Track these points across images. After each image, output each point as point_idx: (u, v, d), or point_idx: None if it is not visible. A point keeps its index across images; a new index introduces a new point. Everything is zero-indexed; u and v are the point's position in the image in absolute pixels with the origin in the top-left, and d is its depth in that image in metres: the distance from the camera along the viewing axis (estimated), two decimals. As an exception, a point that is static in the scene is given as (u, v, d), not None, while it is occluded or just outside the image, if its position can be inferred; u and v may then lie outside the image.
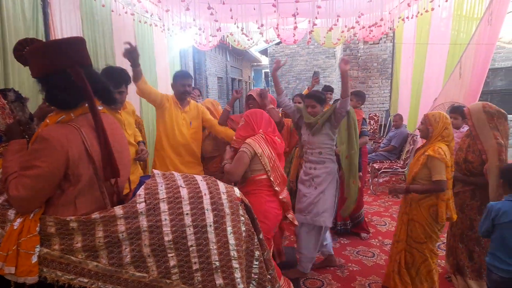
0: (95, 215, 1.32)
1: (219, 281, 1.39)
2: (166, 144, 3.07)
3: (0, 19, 2.70)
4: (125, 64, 2.77)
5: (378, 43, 8.33)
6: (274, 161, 2.40)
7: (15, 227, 1.29)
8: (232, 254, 1.42)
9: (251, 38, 6.72)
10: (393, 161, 5.83)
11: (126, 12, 4.53)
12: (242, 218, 1.50)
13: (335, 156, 2.96)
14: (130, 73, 2.65)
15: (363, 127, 3.87)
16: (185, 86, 3.08)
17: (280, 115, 3.56)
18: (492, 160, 2.48)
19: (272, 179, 2.34)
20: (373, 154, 6.03)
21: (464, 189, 2.71)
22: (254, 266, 1.54)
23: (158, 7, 4.81)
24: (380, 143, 6.70)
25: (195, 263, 1.37)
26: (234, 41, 7.18)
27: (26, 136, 1.59)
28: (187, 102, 3.17)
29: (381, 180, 5.86)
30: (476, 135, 2.59)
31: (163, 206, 1.38)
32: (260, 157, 2.31)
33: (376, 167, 5.65)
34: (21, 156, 1.44)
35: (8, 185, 1.33)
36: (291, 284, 2.53)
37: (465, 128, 3.30)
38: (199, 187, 1.48)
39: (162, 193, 1.42)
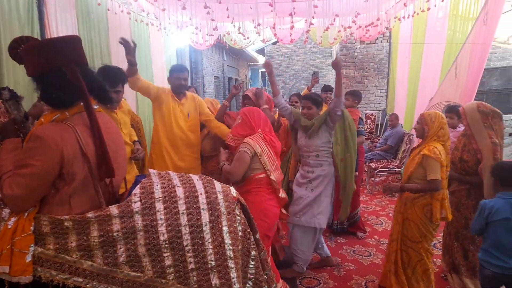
0: (90, 214, 1.32)
1: (214, 280, 1.38)
2: (163, 137, 3.06)
3: (-5, 18, 2.69)
4: (122, 63, 2.76)
5: (374, 43, 8.37)
6: (274, 161, 2.41)
7: (9, 226, 1.28)
8: (228, 254, 1.41)
9: (248, 38, 6.71)
10: (389, 161, 5.86)
11: (122, 11, 4.50)
12: (238, 217, 1.49)
13: (332, 158, 2.96)
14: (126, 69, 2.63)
15: (360, 127, 3.88)
16: (180, 79, 3.07)
17: (277, 115, 3.56)
18: (486, 160, 2.49)
19: (274, 179, 2.34)
20: (369, 153, 6.07)
21: (460, 188, 2.73)
22: (250, 266, 1.53)
23: (154, 6, 4.79)
24: (376, 142, 6.73)
25: (190, 262, 1.37)
26: (231, 40, 7.17)
27: (21, 134, 1.58)
28: (184, 94, 3.16)
29: (377, 180, 5.88)
30: (471, 134, 2.61)
31: (159, 206, 1.38)
32: (259, 157, 2.31)
33: (373, 167, 5.67)
34: (15, 154, 1.44)
35: (2, 184, 1.32)
36: (288, 287, 2.55)
37: (461, 127, 3.31)
38: (195, 186, 1.47)
39: (158, 193, 1.41)
